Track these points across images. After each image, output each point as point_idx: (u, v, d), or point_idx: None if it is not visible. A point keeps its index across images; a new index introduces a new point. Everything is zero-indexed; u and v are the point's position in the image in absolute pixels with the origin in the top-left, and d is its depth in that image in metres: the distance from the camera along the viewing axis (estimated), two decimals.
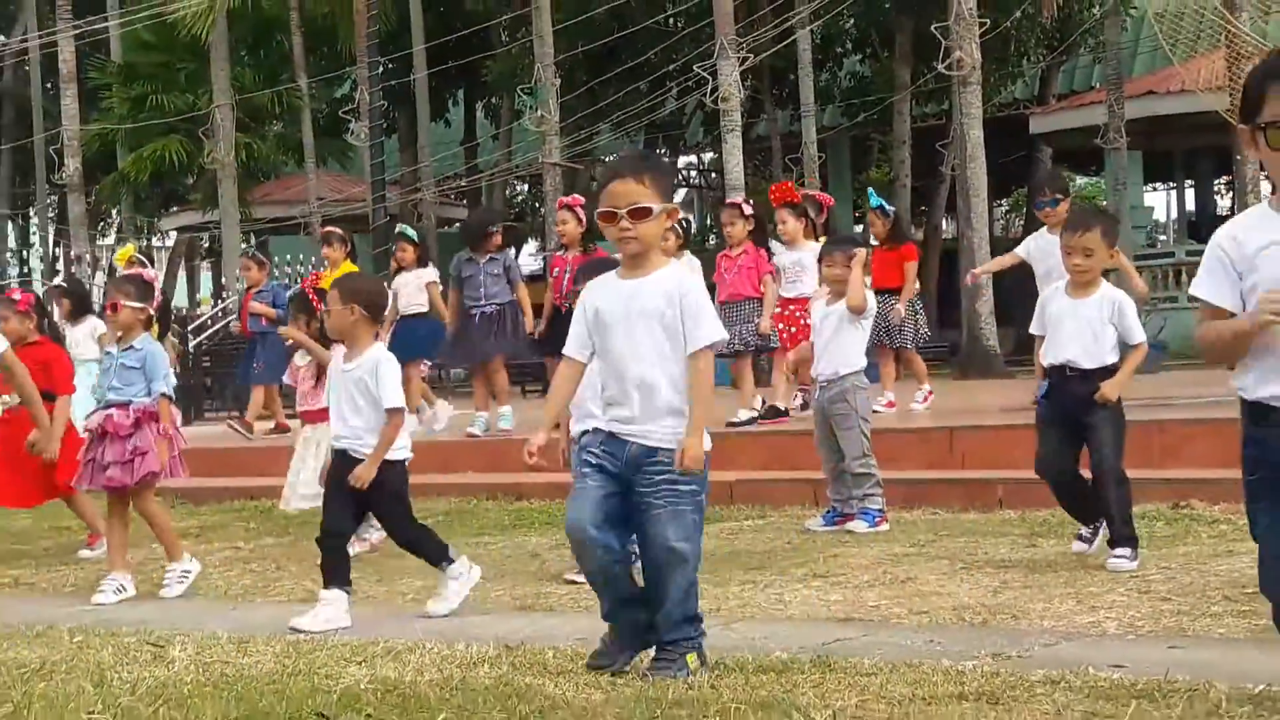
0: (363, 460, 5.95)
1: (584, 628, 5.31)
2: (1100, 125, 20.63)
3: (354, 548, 6.94)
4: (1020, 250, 9.80)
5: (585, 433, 4.85)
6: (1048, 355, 6.41)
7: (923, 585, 5.98)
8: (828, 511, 7.91)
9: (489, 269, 11.17)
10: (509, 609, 6.13)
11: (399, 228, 13.08)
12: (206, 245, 31.35)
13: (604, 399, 4.70)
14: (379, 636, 5.39)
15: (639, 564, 4.68)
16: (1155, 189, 34.04)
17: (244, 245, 22.50)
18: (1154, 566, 6.19)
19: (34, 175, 28.56)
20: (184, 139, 23.85)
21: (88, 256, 24.28)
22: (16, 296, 8.80)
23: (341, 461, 6.07)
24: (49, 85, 27.39)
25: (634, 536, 4.62)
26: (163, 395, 6.95)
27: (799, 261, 10.30)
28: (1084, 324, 6.29)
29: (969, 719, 3.85)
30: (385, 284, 11.09)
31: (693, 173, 38.21)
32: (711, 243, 29.67)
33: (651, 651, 4.60)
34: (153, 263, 34.84)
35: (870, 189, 14.17)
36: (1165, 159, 27.43)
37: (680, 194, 36.93)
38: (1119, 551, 6.14)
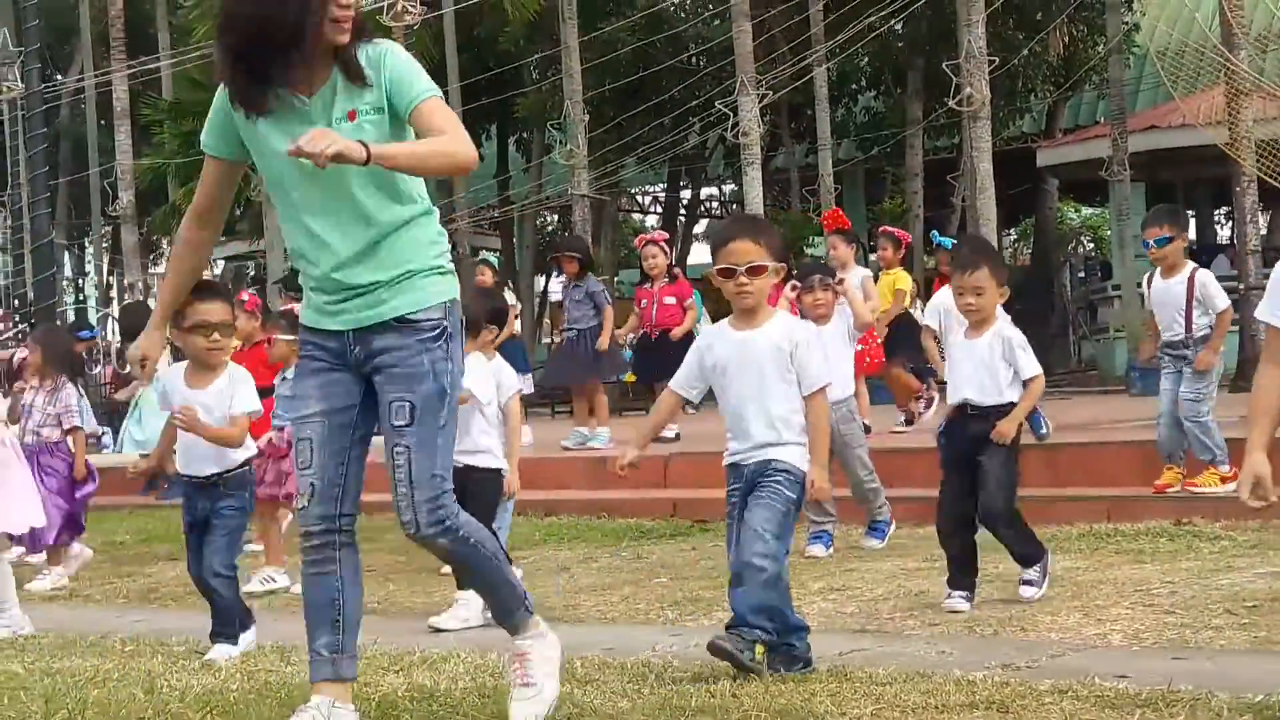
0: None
1: (610, 638, 5.47)
2: (1105, 158, 20.68)
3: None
4: (929, 319, 9.74)
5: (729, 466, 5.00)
6: (949, 396, 6.24)
7: (935, 598, 5.99)
8: (822, 535, 7.86)
9: (573, 294, 11.55)
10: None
11: (481, 255, 13.84)
12: (252, 274, 31.93)
13: (728, 436, 4.97)
14: (415, 646, 5.44)
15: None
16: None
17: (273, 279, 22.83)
18: (1158, 581, 6.22)
19: (90, 208, 28.91)
20: None
21: (140, 284, 24.66)
22: None
23: None
24: (104, 122, 27.72)
25: None
26: None
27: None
28: (979, 364, 6.03)
29: None
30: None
31: (714, 204, 38.79)
32: None
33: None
34: None
35: (934, 231, 14.63)
36: (1167, 190, 27.36)
37: (702, 224, 37.54)
38: (1029, 574, 6.04)
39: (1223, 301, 8.49)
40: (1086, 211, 37.80)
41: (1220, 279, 23.41)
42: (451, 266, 4.03)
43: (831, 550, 7.84)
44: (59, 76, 31.52)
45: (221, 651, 5.60)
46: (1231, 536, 7.31)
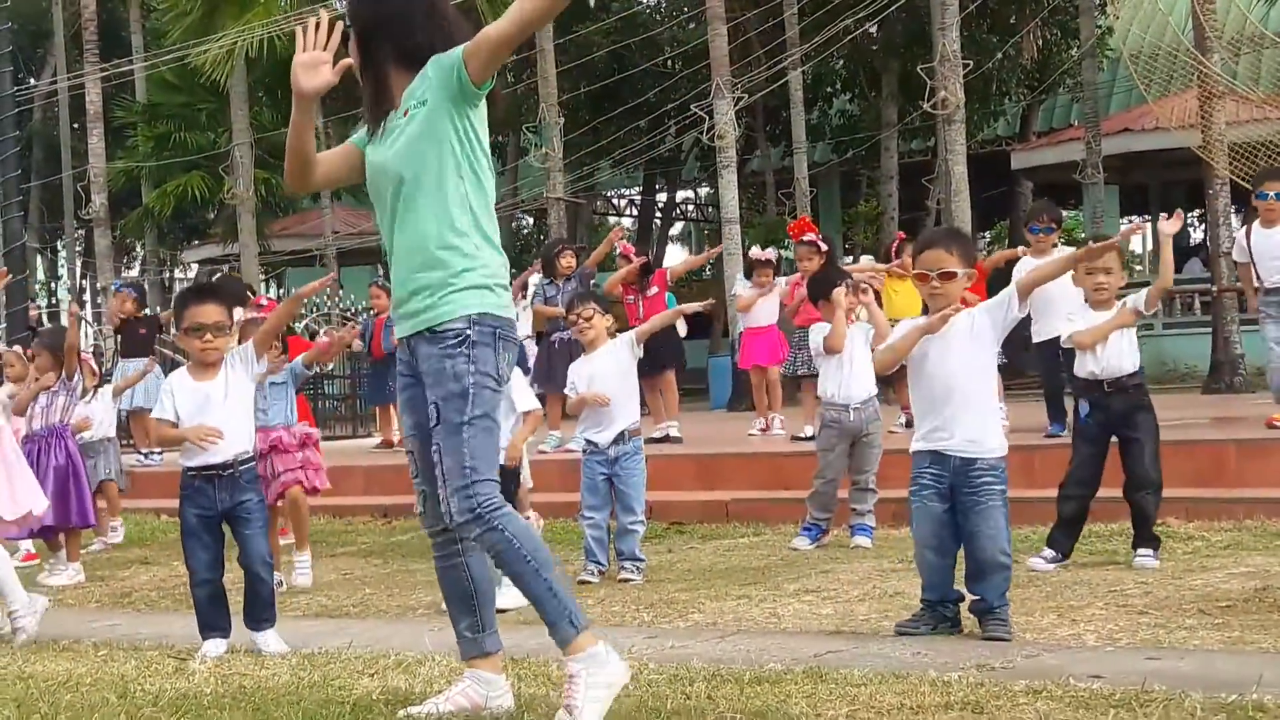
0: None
1: None
2: (1078, 161, 20.90)
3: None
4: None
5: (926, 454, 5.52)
6: (1078, 370, 6.78)
7: (911, 599, 5.90)
8: (811, 528, 8.09)
9: (568, 290, 11.24)
10: (514, 622, 5.86)
11: None
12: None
13: (922, 421, 5.52)
14: (390, 649, 5.41)
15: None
16: (1131, 221, 34.54)
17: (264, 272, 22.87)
18: (1132, 581, 6.32)
19: (62, 211, 28.79)
20: (205, 175, 24.12)
21: (113, 288, 24.73)
22: None
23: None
24: (76, 125, 27.64)
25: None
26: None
27: None
28: (1113, 339, 6.72)
29: None
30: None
31: (689, 207, 38.83)
32: (707, 273, 30.14)
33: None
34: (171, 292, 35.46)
35: None
36: (1140, 193, 27.64)
37: (678, 226, 37.56)
38: (1146, 552, 6.77)
39: None
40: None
41: (1193, 281, 23.42)
42: (490, 284, 4.18)
43: (817, 545, 8.05)
44: (32, 80, 31.39)
45: (270, 638, 5.75)
46: (1204, 537, 7.38)
